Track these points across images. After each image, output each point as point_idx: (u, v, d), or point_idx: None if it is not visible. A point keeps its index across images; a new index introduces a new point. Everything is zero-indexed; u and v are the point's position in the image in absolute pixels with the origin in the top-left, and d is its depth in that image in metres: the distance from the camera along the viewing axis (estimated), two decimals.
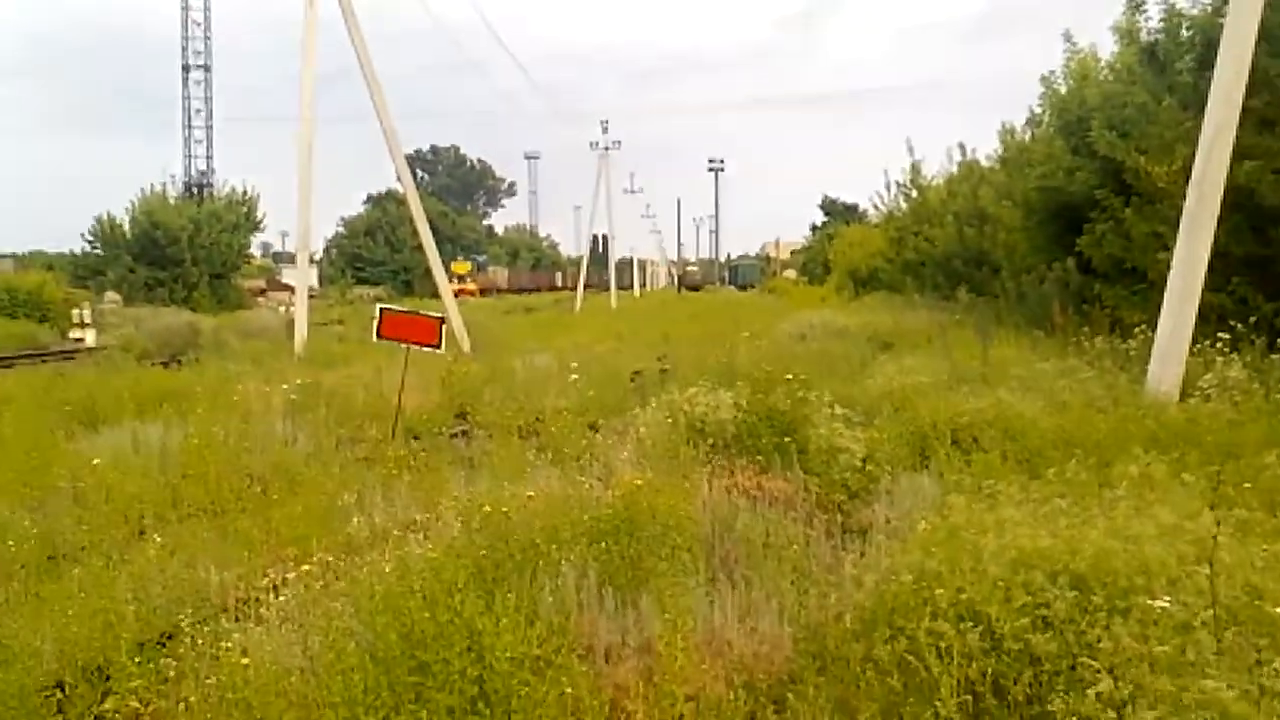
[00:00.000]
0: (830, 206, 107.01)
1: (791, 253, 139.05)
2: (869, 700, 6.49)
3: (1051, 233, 29.10)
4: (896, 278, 49.98)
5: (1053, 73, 30.67)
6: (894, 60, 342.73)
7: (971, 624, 6.39)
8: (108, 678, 7.59)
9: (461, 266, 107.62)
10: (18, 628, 7.90)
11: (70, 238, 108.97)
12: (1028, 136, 35.88)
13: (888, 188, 52.36)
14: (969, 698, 6.20)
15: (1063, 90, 30.22)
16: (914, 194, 49.49)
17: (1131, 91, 24.92)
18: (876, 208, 56.25)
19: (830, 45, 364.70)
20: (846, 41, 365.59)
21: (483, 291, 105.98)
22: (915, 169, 49.54)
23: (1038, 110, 32.95)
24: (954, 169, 46.02)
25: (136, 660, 7.54)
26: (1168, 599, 6.24)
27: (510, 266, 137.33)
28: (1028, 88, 36.90)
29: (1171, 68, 24.18)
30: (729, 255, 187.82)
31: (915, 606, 6.74)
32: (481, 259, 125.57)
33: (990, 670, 6.27)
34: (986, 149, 43.63)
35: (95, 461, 13.32)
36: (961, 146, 45.45)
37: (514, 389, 21.49)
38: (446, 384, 21.21)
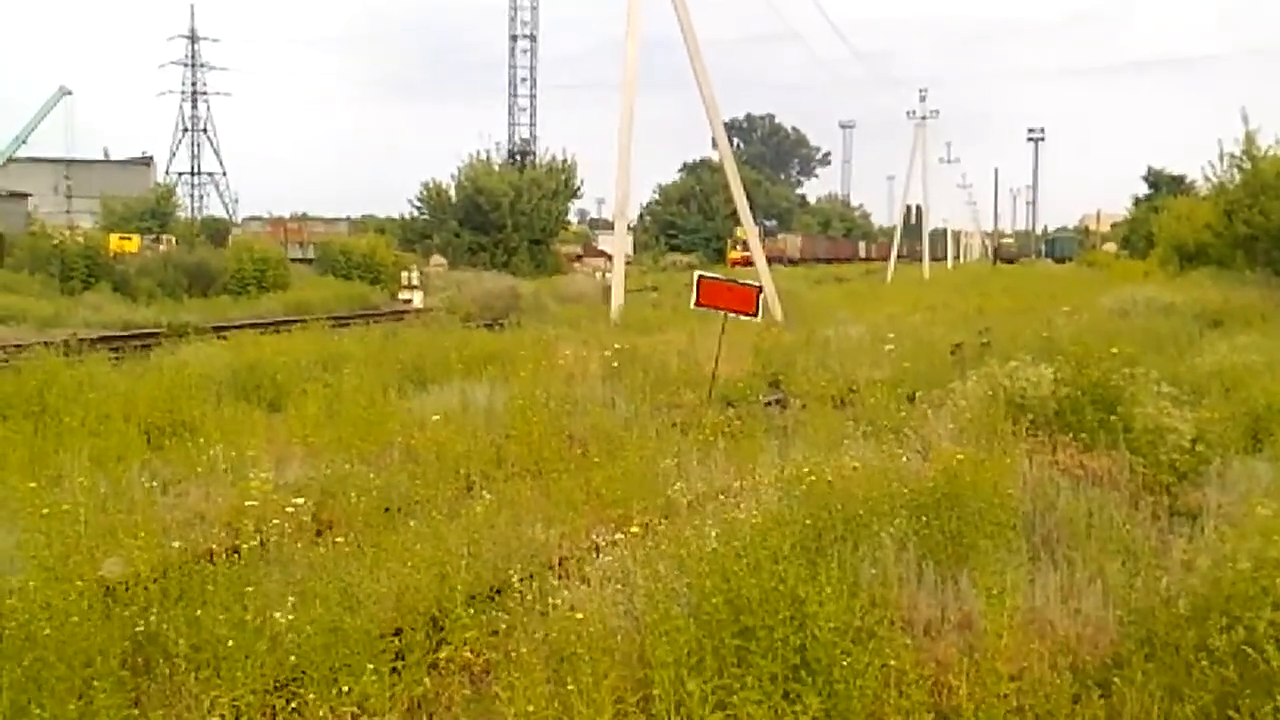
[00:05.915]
0: (1156, 178, 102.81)
1: (1112, 225, 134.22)
2: (1201, 690, 6.30)
3: None
4: (1226, 252, 47.74)
5: None
6: (1221, 27, 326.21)
7: None
8: (441, 627, 7.95)
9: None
10: (361, 576, 8.33)
11: (395, 202, 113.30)
12: None
13: (1220, 159, 49.97)
14: None
15: None
16: (1247, 165, 47.07)
17: None
18: (1207, 179, 53.72)
19: (1154, 10, 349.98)
20: (1171, 6, 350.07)
21: (771, 260, 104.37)
22: (1250, 139, 47.08)
23: None
24: None
25: (470, 611, 7.90)
26: None
27: (806, 234, 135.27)
28: None
29: None
30: (1046, 227, 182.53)
31: (1254, 595, 6.52)
32: (770, 224, 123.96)
33: None
34: None
35: (435, 418, 13.89)
36: None
37: (827, 358, 21.48)
38: (759, 352, 21.33)
